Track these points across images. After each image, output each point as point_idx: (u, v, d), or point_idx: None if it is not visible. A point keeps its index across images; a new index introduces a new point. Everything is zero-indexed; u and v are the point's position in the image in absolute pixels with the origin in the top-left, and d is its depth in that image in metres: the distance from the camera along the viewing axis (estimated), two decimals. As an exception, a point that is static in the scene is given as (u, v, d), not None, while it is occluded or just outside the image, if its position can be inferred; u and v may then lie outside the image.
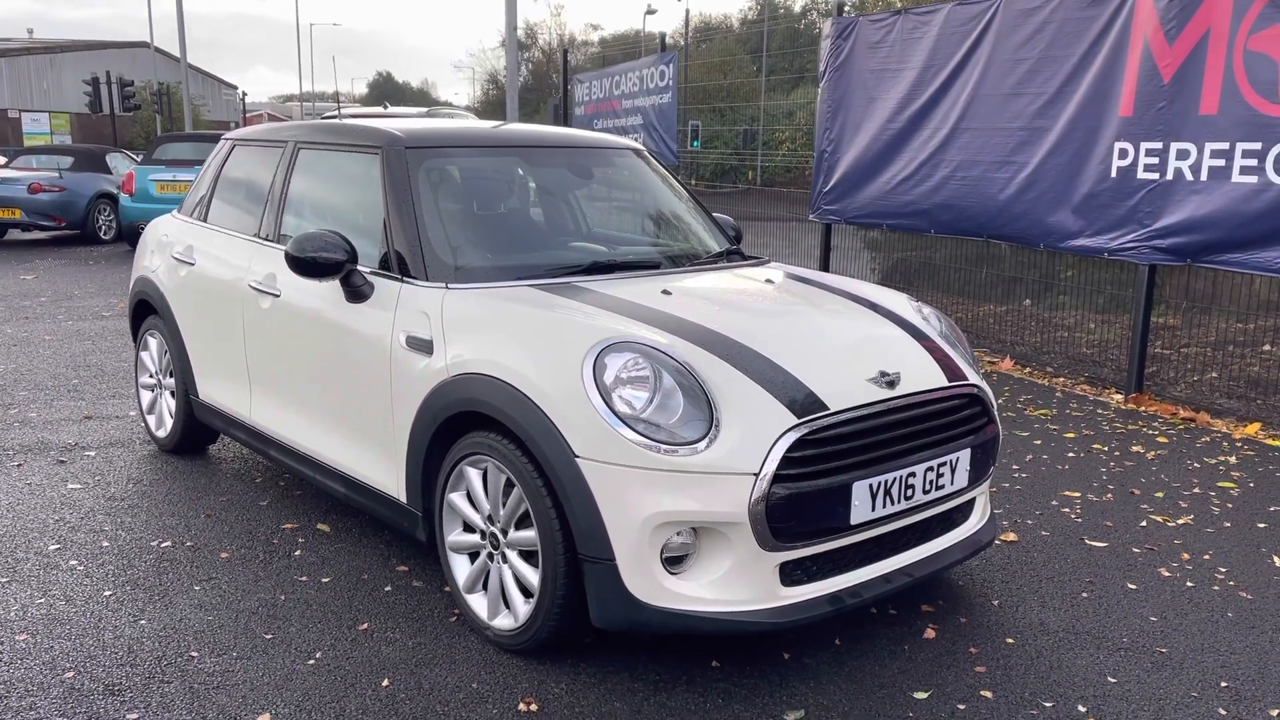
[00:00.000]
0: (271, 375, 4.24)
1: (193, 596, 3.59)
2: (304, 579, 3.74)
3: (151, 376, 5.26)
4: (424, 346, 3.40)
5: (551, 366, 3.04)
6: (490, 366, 3.16)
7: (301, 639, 3.30)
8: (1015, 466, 5.18)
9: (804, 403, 2.99)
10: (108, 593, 3.62)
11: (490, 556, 3.27)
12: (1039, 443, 5.63)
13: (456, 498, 3.34)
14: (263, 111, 67.49)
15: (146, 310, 5.20)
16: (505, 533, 3.18)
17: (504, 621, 3.22)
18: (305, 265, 3.61)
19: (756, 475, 2.85)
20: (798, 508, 2.89)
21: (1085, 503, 4.68)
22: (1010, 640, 3.37)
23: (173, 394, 5.05)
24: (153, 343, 5.19)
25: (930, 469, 3.20)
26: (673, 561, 2.94)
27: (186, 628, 3.36)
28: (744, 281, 3.92)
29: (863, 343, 3.41)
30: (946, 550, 3.40)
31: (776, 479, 2.86)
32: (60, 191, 14.16)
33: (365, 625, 3.40)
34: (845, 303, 3.77)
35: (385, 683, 3.04)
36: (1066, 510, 4.58)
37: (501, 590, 3.23)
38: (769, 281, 3.91)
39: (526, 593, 3.15)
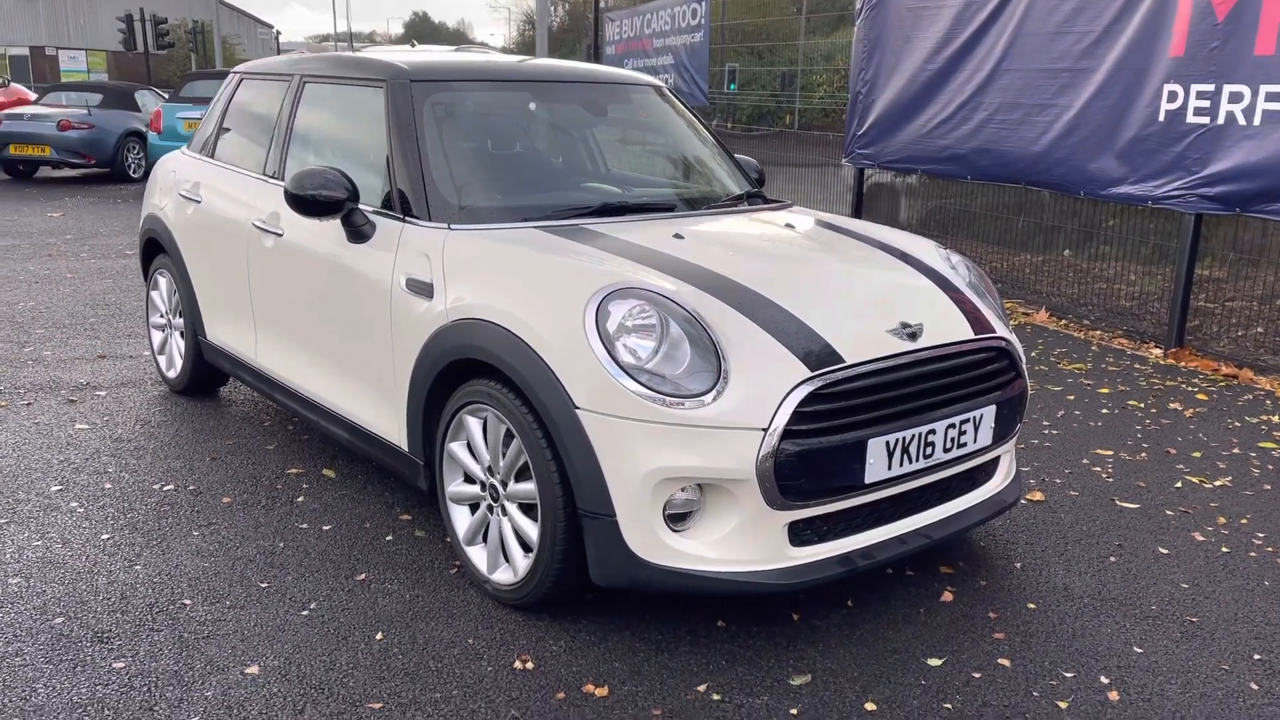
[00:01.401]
0: (276, 317, 4.13)
1: (190, 542, 3.51)
2: (305, 526, 3.65)
3: (162, 316, 5.18)
4: (424, 289, 3.26)
5: (552, 313, 2.90)
6: (490, 312, 3.02)
7: (297, 589, 3.21)
8: (1046, 423, 5.00)
9: (818, 355, 2.83)
10: (105, 536, 3.55)
11: (490, 509, 3.15)
12: (1072, 398, 5.43)
13: (456, 447, 3.22)
14: (299, 50, 67.13)
15: (155, 249, 5.10)
16: (505, 485, 3.06)
17: (503, 575, 3.11)
18: (304, 203, 3.47)
19: (765, 431, 2.70)
20: (808, 465, 2.74)
21: (1118, 462, 4.50)
22: (1032, 606, 3.22)
23: (182, 335, 4.96)
24: (162, 282, 5.10)
25: (952, 426, 3.03)
26: (676, 519, 2.81)
27: (181, 574, 3.29)
28: (762, 226, 3.74)
29: (885, 292, 3.23)
30: (967, 511, 3.25)
31: (786, 435, 2.71)
32: (89, 129, 14.10)
33: (363, 576, 3.30)
34: (868, 249, 3.58)
35: (379, 636, 2.95)
36: (1097, 469, 4.40)
37: (501, 543, 3.12)
38: (789, 226, 3.72)
39: (526, 547, 3.03)
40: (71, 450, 4.33)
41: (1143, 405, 5.35)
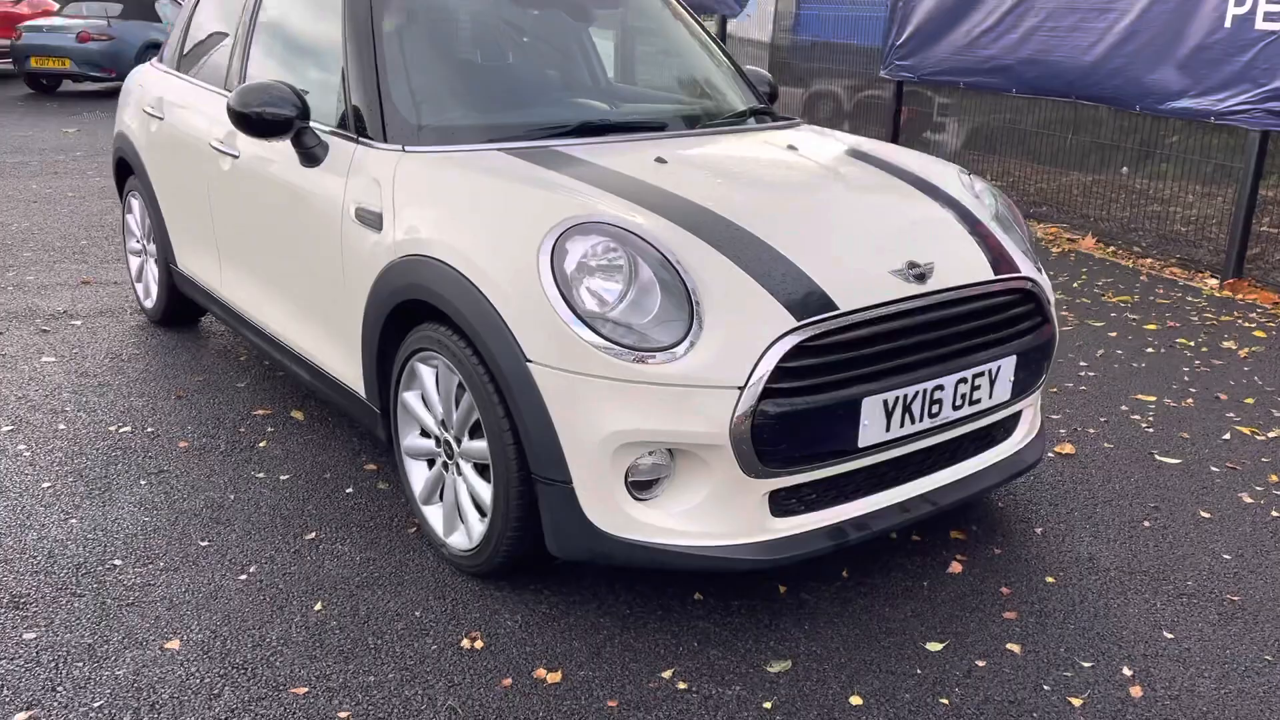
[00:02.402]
0: (236, 247, 3.81)
1: (135, 493, 3.25)
2: (261, 475, 3.38)
3: (137, 242, 4.89)
4: (374, 221, 2.92)
5: (503, 250, 2.55)
6: (438, 247, 2.68)
7: (239, 549, 2.94)
8: (1083, 363, 4.58)
9: (807, 301, 2.46)
10: (46, 485, 3.30)
11: (446, 466, 2.85)
12: (1114, 335, 5.00)
13: (410, 397, 2.91)
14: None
15: (126, 170, 4.79)
16: (459, 441, 2.75)
17: (459, 540, 2.82)
18: (249, 122, 3.12)
19: (741, 389, 2.35)
20: (791, 428, 2.39)
21: (1160, 409, 4.09)
22: (1050, 579, 2.87)
23: (157, 262, 4.67)
24: (135, 205, 4.79)
25: (963, 380, 2.66)
26: (641, 486, 2.48)
27: (118, 530, 3.03)
28: (762, 148, 3.33)
29: (893, 226, 2.83)
30: (981, 473, 2.89)
31: (766, 394, 2.36)
32: (109, 40, 13.75)
33: (313, 534, 3.03)
34: (880, 176, 3.17)
35: (318, 606, 2.68)
36: (1137, 417, 4.00)
37: (457, 505, 2.82)
38: (791, 148, 3.31)
39: (482, 510, 2.73)
40: (32, 386, 4.09)
41: (1192, 344, 4.91)
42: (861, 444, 2.51)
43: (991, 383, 2.74)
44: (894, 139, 8.57)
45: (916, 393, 2.56)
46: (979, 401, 2.73)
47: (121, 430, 3.71)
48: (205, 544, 2.97)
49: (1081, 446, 3.71)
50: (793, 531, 2.54)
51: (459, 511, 2.80)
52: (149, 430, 3.71)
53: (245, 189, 3.61)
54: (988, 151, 8.72)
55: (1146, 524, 3.18)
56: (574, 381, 2.39)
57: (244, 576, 2.81)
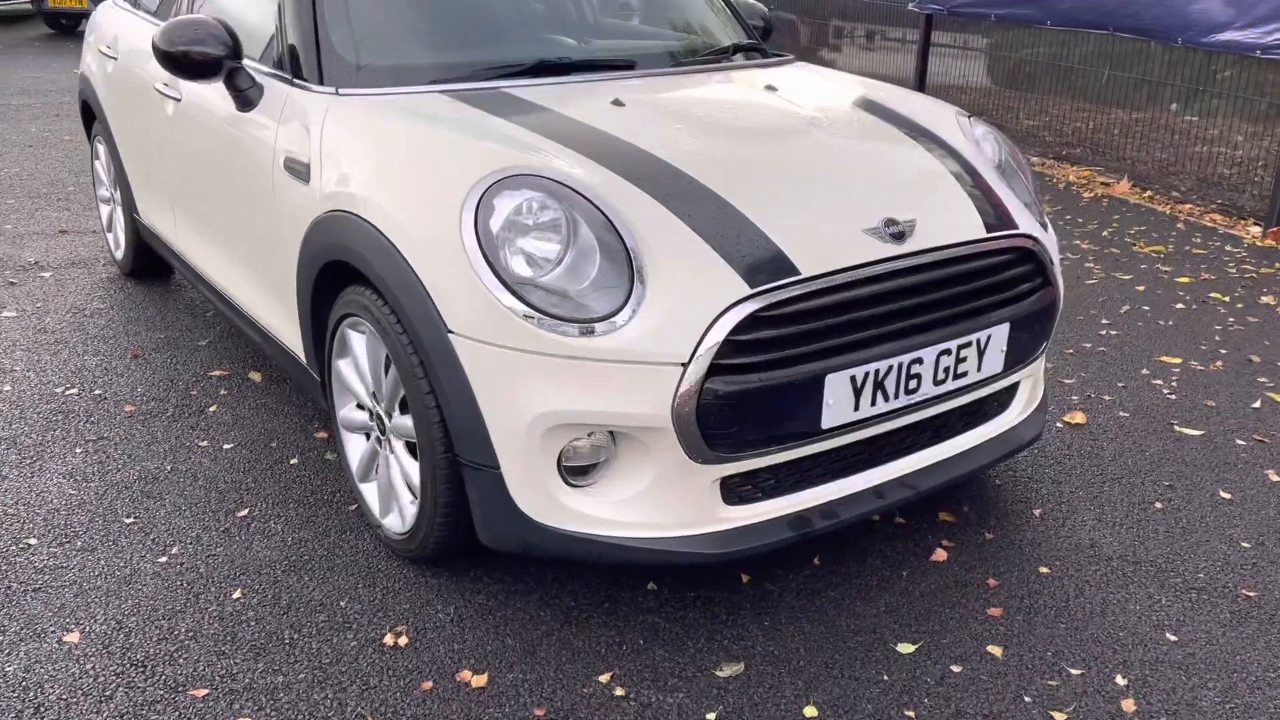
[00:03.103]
0: (185, 197, 3.57)
1: (68, 463, 3.06)
2: (204, 444, 3.17)
3: (106, 190, 4.67)
4: (302, 171, 2.66)
5: (426, 207, 2.28)
6: (359, 203, 2.42)
7: (165, 527, 2.74)
8: (1105, 321, 4.25)
9: (764, 265, 2.17)
10: (-23, 453, 3.12)
11: (380, 441, 2.61)
12: (1142, 289, 4.65)
13: (344, 366, 2.67)
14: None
15: (91, 114, 4.55)
16: (389, 416, 2.51)
17: (393, 522, 2.59)
18: (176, 62, 2.85)
19: (685, 366, 2.08)
20: (743, 409, 2.13)
21: (1185, 373, 3.77)
22: (1044, 570, 2.60)
23: (123, 211, 4.45)
24: (101, 150, 4.57)
25: (946, 352, 2.37)
26: (577, 471, 2.23)
27: (41, 505, 2.84)
28: (737, 89, 3.02)
29: (874, 178, 2.53)
30: (969, 453, 2.61)
31: (714, 370, 2.09)
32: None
33: (246, 511, 2.82)
34: (867, 121, 2.85)
35: (237, 594, 2.47)
36: (1158, 382, 3.68)
37: (391, 484, 2.59)
38: (770, 89, 2.99)
39: (415, 492, 2.50)
40: (-13, 343, 3.91)
41: (1227, 299, 4.55)
42: (825, 425, 2.24)
43: (980, 354, 2.44)
44: (921, 78, 8.13)
45: (890, 367, 2.28)
46: (965, 375, 2.44)
47: (68, 392, 3.51)
48: (130, 521, 2.77)
49: (1094, 415, 3.41)
50: (748, 521, 2.29)
51: (393, 491, 2.57)
52: (96, 393, 3.52)
53: (188, 135, 3.36)
54: (1026, 89, 8.26)
55: (1158, 505, 2.89)
56: (498, 356, 2.14)
57: (164, 559, 2.61)
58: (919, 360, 2.33)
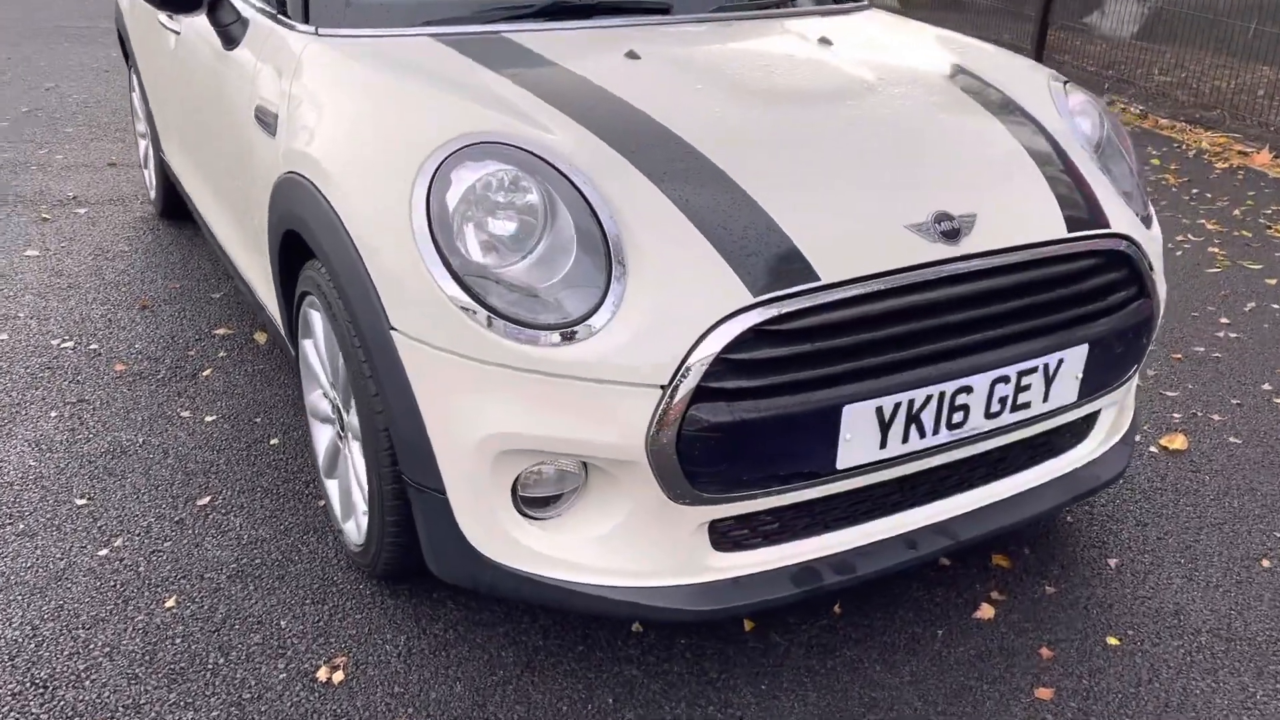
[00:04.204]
0: (187, 139, 3.30)
1: (39, 429, 2.83)
2: (186, 414, 2.91)
3: (142, 124, 4.43)
4: (270, 123, 2.33)
5: (376, 174, 1.93)
6: (311, 166, 2.08)
7: (116, 513, 2.48)
8: (1224, 320, 3.68)
9: (775, 266, 1.76)
10: (-50, 411, 2.91)
11: (340, 435, 2.30)
12: (1274, 282, 4.04)
13: (308, 346, 2.36)
14: None
15: (125, 45, 4.31)
16: (346, 409, 2.19)
17: (351, 529, 2.28)
18: (152, -10, 2.54)
19: (664, 389, 1.69)
20: (735, 443, 1.73)
21: (1315, 390, 3.21)
22: (1113, 641, 2.15)
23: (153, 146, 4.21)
24: (135, 82, 4.32)
25: (1003, 379, 1.93)
26: (537, 502, 1.87)
27: (-4, 477, 2.62)
28: (783, 42, 2.57)
29: (929, 160, 2.07)
30: (1027, 495, 2.16)
31: (702, 395, 1.70)
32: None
33: (207, 500, 2.54)
34: (935, 86, 2.38)
35: (170, 603, 2.20)
36: (1281, 401, 3.14)
37: (351, 487, 2.27)
38: (824, 43, 2.53)
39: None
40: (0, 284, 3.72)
41: (1375, 299, 3.92)
42: (842, 466, 1.83)
43: (1048, 382, 1.99)
44: (1043, 26, 7.40)
45: (929, 397, 1.85)
46: (1026, 407, 1.99)
47: (63, 345, 3.29)
48: (82, 503, 2.52)
49: (1198, 440, 2.90)
50: (742, 572, 1.90)
51: (352, 496, 2.26)
52: (92, 347, 3.29)
53: (185, 74, 3.07)
54: (1162, 40, 7.47)
55: (1265, 564, 2.40)
56: (443, 362, 1.78)
57: (105, 552, 2.35)
58: (967, 389, 1.89)
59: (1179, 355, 3.38)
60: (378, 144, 1.97)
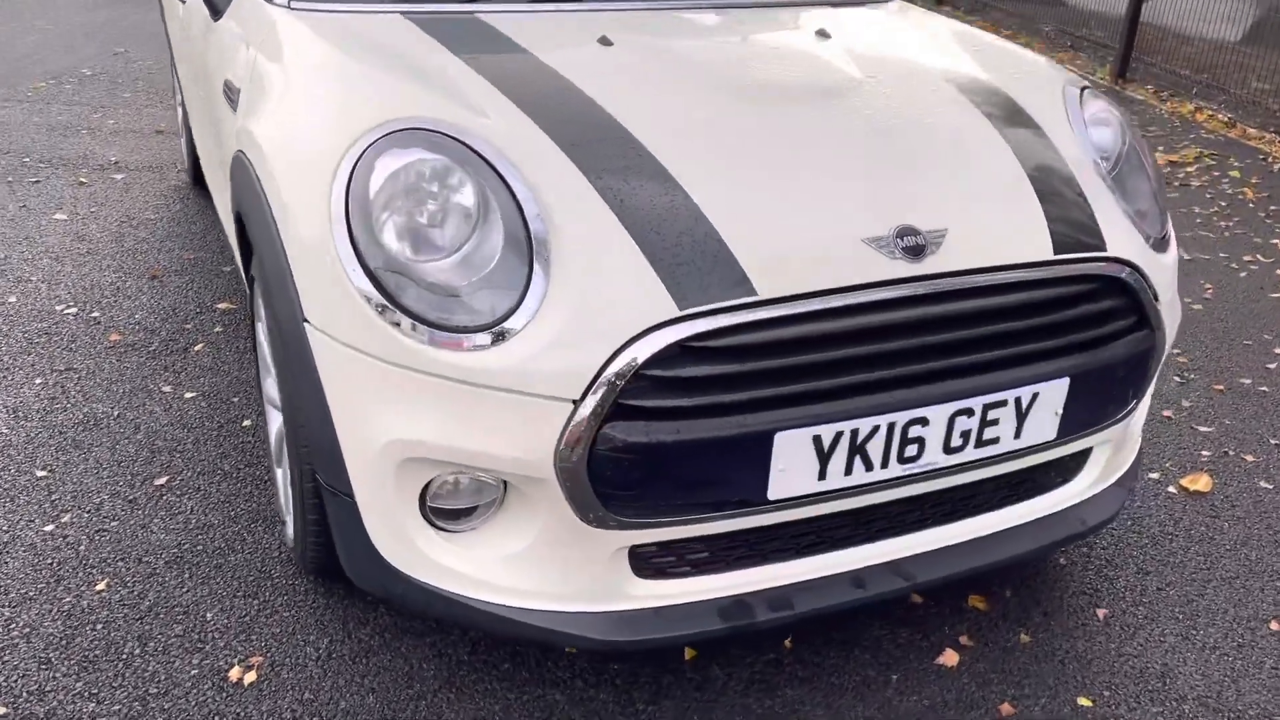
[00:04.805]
0: (193, 107, 3.26)
1: (20, 395, 2.82)
2: (167, 389, 2.88)
3: (180, 91, 4.44)
4: (234, 98, 2.26)
5: (303, 159, 1.83)
6: (252, 145, 2.00)
7: (73, 487, 2.45)
8: (1267, 336, 3.41)
9: (708, 277, 1.62)
10: (-60, 373, 2.93)
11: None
12: (1342, 311, 3.73)
13: (260, 330, 2.29)
14: None
15: (162, 13, 4.31)
16: (286, 401, 2.11)
17: (289, 524, 2.20)
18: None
19: (576, 404, 1.57)
20: (652, 466, 1.61)
21: (1368, 434, 2.94)
22: (1085, 702, 1.98)
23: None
24: (170, 50, 4.33)
25: (965, 412, 1.76)
26: (448, 515, 1.76)
27: (-33, 443, 2.61)
28: (776, 33, 2.41)
29: (902, 169, 1.90)
30: (1001, 537, 1.99)
31: (617, 413, 1.57)
32: None
33: (165, 480, 2.50)
34: (933, 88, 2.19)
35: (101, 586, 2.15)
36: (1327, 444, 2.88)
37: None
38: (822, 35, 2.36)
39: (306, 495, 2.09)
40: (23, 247, 3.75)
41: None
42: (775, 496, 1.69)
43: (1020, 417, 1.82)
44: (1134, 17, 7.01)
45: (876, 428, 1.70)
46: (994, 443, 1.82)
47: (66, 311, 3.29)
48: (42, 475, 2.49)
49: (1224, 482, 2.67)
50: (665, 602, 1.77)
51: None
52: (94, 315, 3.28)
53: (188, 42, 3.04)
54: (1267, 44, 7.03)
55: (1274, 626, 2.19)
56: (351, 360, 1.68)
57: (50, 527, 2.32)
58: (922, 421, 1.73)
59: (1221, 386, 3.13)
60: (311, 125, 1.87)
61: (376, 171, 1.70)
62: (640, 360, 1.57)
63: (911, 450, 1.75)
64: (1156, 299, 1.94)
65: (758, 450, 1.63)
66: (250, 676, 1.94)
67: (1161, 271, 1.99)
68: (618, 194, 1.70)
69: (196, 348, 3.11)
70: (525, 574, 1.73)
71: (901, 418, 1.71)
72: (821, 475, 1.70)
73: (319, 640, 2.03)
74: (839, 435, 1.67)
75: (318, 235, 1.70)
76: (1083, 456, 2.08)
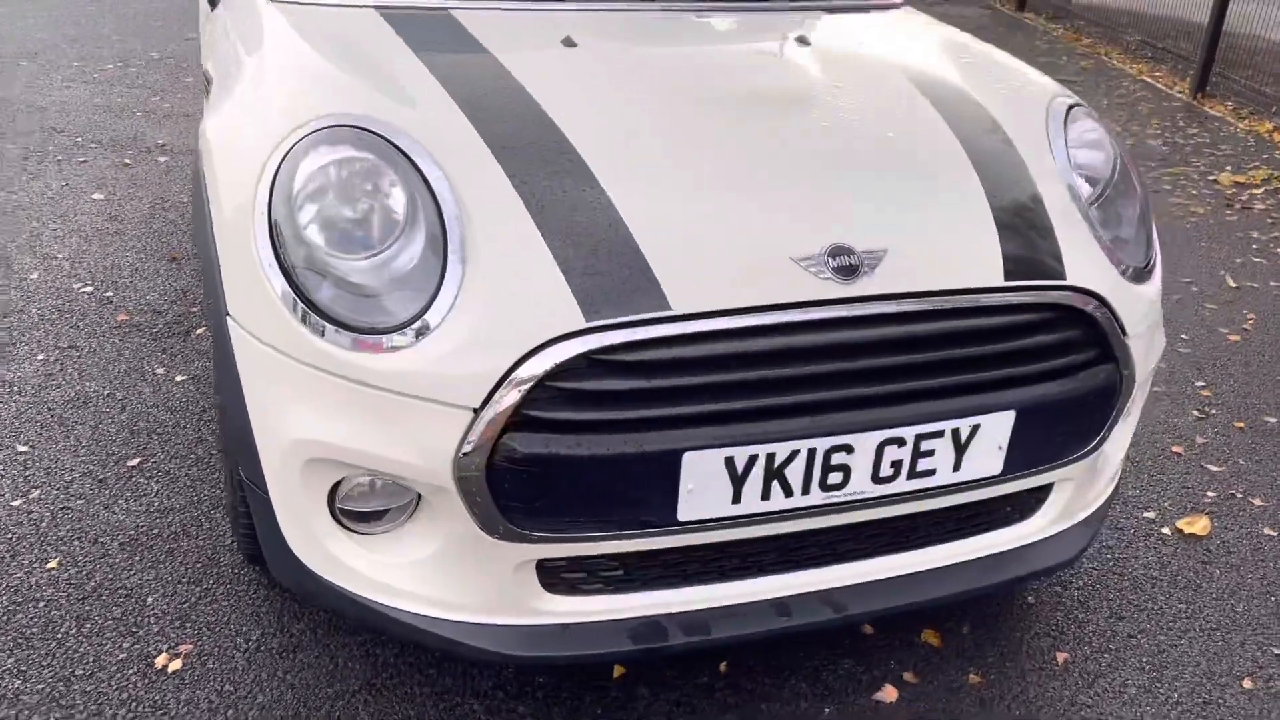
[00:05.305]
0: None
1: (19, 370, 2.89)
2: (160, 371, 2.93)
3: (221, 78, 4.52)
4: (208, 90, 2.28)
5: (239, 152, 1.83)
6: (204, 142, 2.00)
7: (49, 464, 2.50)
8: (1309, 383, 3.23)
9: (621, 289, 1.58)
10: (-51, 344, 3.02)
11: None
12: (1393, 349, 3.52)
13: (225, 320, 2.30)
14: None
15: None
16: (235, 392, 2.11)
17: (238, 513, 2.22)
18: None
19: (476, 412, 1.54)
20: (554, 480, 1.57)
21: (1394, 484, 2.76)
22: (1024, 752, 1.88)
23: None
24: (214, 38, 4.41)
25: (896, 441, 1.68)
26: (359, 517, 1.74)
27: (-41, 415, 2.68)
28: (751, 40, 2.35)
29: (844, 186, 1.82)
30: (943, 573, 1.90)
31: (519, 424, 1.54)
32: None
33: (138, 461, 2.54)
34: (905, 101, 2.10)
35: (52, 565, 2.19)
36: (1346, 492, 2.71)
37: (244, 468, 2.21)
38: (801, 42, 2.29)
39: (250, 486, 2.10)
40: (55, 224, 3.85)
41: None
42: (685, 518, 1.64)
43: (959, 449, 1.73)
44: (1212, 46, 6.71)
45: (795, 452, 1.63)
46: (930, 475, 1.74)
47: (83, 290, 3.37)
48: (24, 450, 2.55)
49: (1224, 526, 2.53)
50: (574, 620, 1.73)
51: (242, 478, 2.19)
52: (107, 295, 3.35)
53: (203, 23, 3.07)
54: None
55: (1247, 684, 2.06)
56: (264, 356, 1.68)
57: (18, 503, 2.37)
58: (846, 448, 1.66)
59: (1242, 424, 2.97)
60: (253, 119, 1.87)
61: (302, 168, 1.69)
62: (543, 371, 1.53)
63: (836, 478, 1.68)
64: (1124, 332, 1.84)
65: (664, 469, 1.58)
66: (175, 664, 1.95)
67: (1134, 303, 1.89)
68: (539, 199, 1.66)
69: (198, 331, 3.15)
70: (430, 582, 1.71)
71: (823, 444, 1.64)
72: (736, 499, 1.64)
73: (251, 631, 2.04)
74: (753, 458, 1.61)
75: (242, 229, 1.70)
76: (1042, 493, 1.98)
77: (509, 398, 1.53)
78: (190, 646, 1.99)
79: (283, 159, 1.70)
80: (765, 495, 1.65)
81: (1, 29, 6.58)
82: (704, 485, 1.61)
